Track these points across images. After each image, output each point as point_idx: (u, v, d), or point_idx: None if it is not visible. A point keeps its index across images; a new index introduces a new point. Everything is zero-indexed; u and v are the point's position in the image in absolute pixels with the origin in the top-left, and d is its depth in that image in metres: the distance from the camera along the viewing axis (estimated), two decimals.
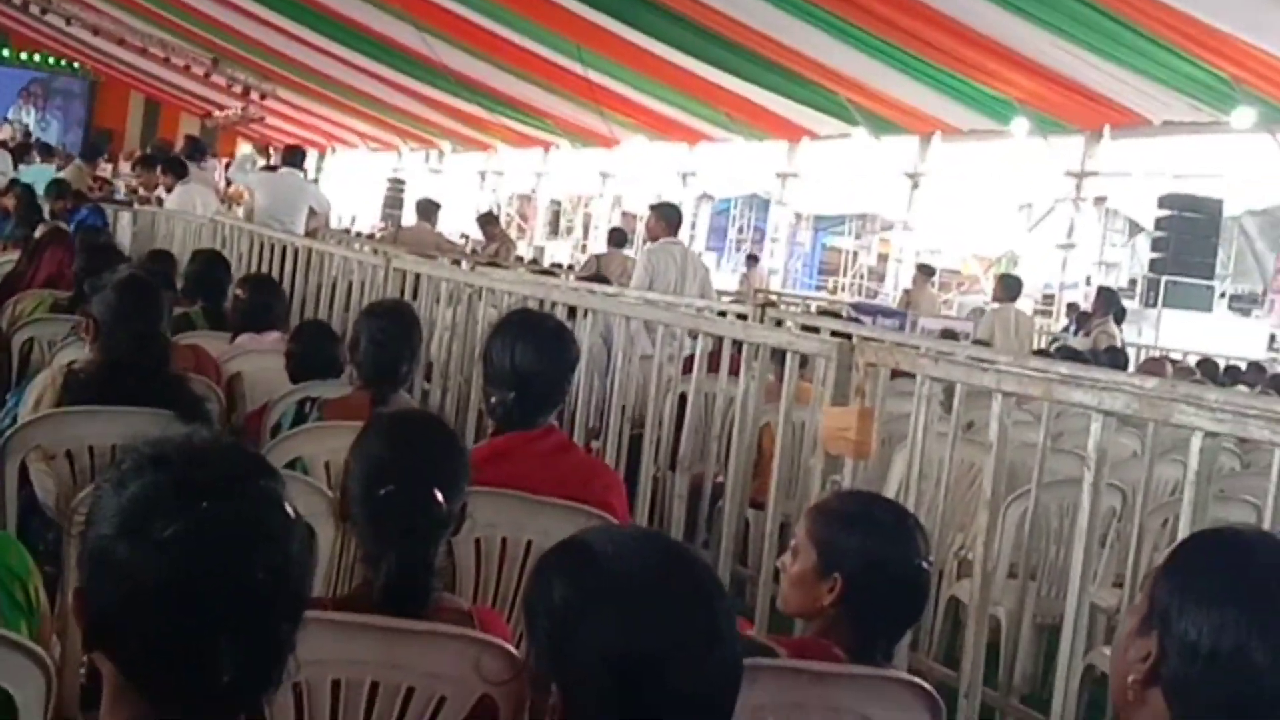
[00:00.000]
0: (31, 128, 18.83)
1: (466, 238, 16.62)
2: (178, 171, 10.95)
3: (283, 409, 4.14)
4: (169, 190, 11.03)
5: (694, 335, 4.92)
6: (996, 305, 11.70)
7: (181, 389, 3.43)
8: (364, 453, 2.33)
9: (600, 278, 9.38)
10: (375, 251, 7.16)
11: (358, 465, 2.32)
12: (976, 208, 19.09)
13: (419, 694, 2.14)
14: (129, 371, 3.43)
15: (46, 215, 9.49)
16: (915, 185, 16.31)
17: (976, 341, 9.20)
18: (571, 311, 5.28)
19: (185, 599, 1.30)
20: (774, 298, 13.58)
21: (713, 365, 4.89)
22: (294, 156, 11.78)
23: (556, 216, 25.43)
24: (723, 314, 6.67)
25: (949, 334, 10.00)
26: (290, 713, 2.06)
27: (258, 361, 4.88)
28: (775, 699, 2.15)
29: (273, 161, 12.96)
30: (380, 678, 2.12)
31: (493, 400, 3.15)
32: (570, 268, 13.64)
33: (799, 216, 21.09)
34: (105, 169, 14.24)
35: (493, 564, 2.92)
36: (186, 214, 9.89)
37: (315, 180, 15.14)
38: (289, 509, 1.40)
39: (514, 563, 2.94)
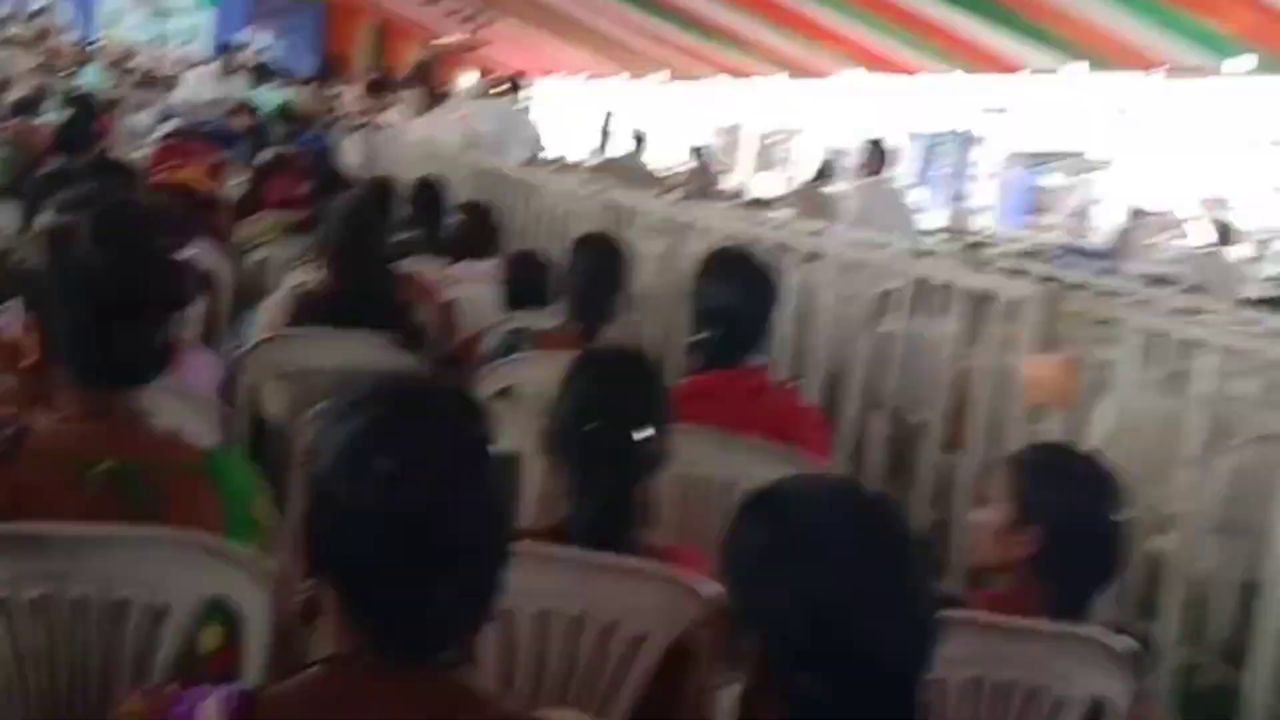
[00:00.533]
0: (263, 51, 19.35)
1: (674, 168, 16.61)
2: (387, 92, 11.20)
3: (495, 337, 4.25)
4: (419, 113, 11.31)
5: (900, 275, 4.87)
6: (1208, 251, 11.25)
7: (404, 315, 3.55)
8: (571, 389, 2.38)
9: (808, 213, 9.32)
10: (587, 182, 7.22)
11: (565, 401, 2.37)
12: (1192, 148, 18.29)
13: (620, 628, 2.20)
14: (357, 296, 3.56)
15: (276, 138, 9.77)
16: (1128, 124, 15.68)
17: (1188, 289, 8.89)
18: (779, 248, 5.27)
19: (401, 533, 1.37)
20: (981, 238, 13.26)
21: (917, 306, 4.84)
22: (513, 85, 11.94)
23: (765, 149, 25.20)
24: (928, 254, 6.58)
25: (1158, 279, 9.65)
26: (492, 640, 2.15)
27: (471, 289, 5.01)
28: (968, 653, 2.15)
29: (492, 90, 13.12)
30: (583, 610, 2.19)
31: (697, 338, 3.19)
32: (777, 201, 13.54)
33: (1008, 154, 20.51)
34: (334, 93, 14.55)
35: (691, 502, 2.98)
36: (409, 140, 10.11)
37: (526, 109, 15.24)
38: (498, 446, 1.47)
39: (712, 501, 2.99)
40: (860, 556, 1.46)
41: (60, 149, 5.51)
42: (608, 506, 2.26)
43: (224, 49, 14.88)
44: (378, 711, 1.39)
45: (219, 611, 2.04)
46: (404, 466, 1.38)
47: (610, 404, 2.32)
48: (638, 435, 2.28)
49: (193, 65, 14.45)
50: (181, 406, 2.75)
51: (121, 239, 2.00)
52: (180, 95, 12.89)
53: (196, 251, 3.54)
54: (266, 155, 7.74)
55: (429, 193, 5.96)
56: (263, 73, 13.90)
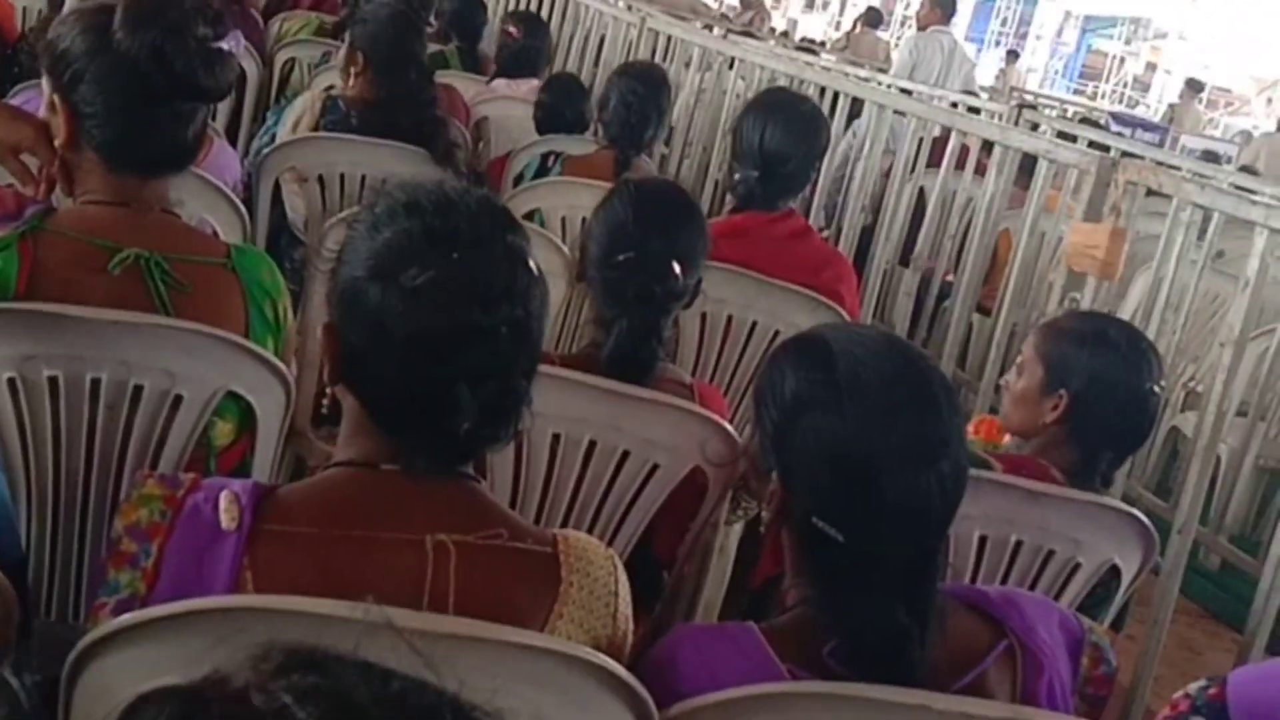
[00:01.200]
0: None
1: (720, 1, 16.32)
2: None
3: (526, 159, 4.20)
4: None
5: (946, 129, 4.77)
6: (1265, 133, 11.07)
7: (438, 129, 3.46)
8: (608, 216, 2.32)
9: (858, 59, 9.16)
10: (630, 8, 7.06)
11: (599, 228, 2.31)
12: (1258, 24, 17.85)
13: (633, 458, 2.19)
14: (391, 105, 3.48)
15: None
16: None
17: (1241, 168, 8.75)
18: (822, 91, 5.17)
19: (430, 345, 1.34)
20: (1031, 98, 13.05)
21: (959, 163, 4.76)
22: None
23: None
24: (976, 111, 6.46)
25: (1210, 155, 9.51)
26: (510, 461, 2.14)
27: (505, 108, 4.93)
28: (984, 512, 2.15)
29: None
30: (598, 437, 2.17)
31: (736, 177, 3.12)
32: (822, 44, 13.30)
33: (1067, 14, 20.07)
34: None
35: (716, 340, 2.96)
36: None
37: None
38: (533, 265, 1.43)
39: (737, 341, 2.97)
40: (896, 408, 1.43)
41: None
42: (634, 336, 2.22)
43: None
44: (394, 517, 1.37)
45: (232, 406, 2.04)
46: (441, 278, 1.34)
47: (645, 233, 2.26)
48: (670, 267, 2.23)
49: None
50: (205, 199, 2.72)
51: (163, 23, 1.93)
52: None
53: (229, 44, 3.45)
54: None
55: (468, 6, 5.80)
56: None
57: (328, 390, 1.44)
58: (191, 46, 1.93)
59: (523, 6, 7.63)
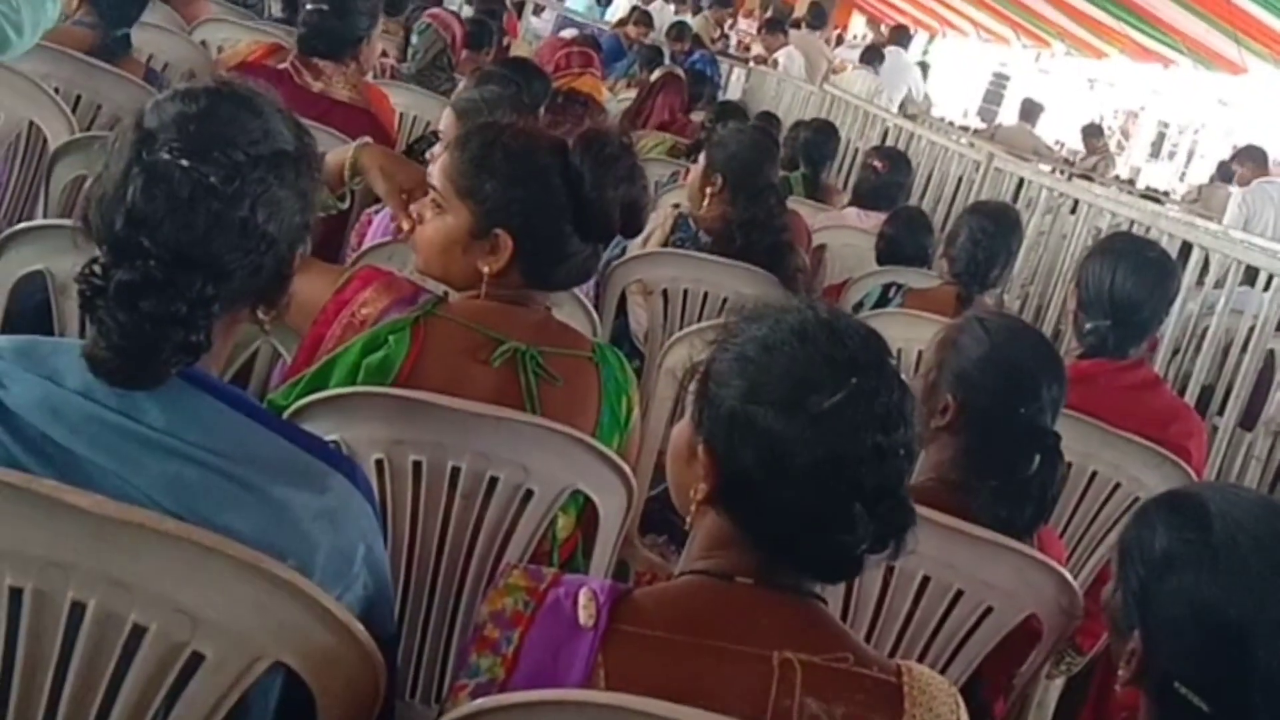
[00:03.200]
0: None
1: (1061, 145, 16.08)
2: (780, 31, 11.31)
3: (866, 288, 4.21)
4: (769, 50, 11.40)
5: None
6: None
7: (787, 253, 3.52)
8: (984, 359, 2.26)
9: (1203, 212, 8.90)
10: (972, 145, 7.03)
11: (975, 369, 2.26)
12: None
13: (967, 598, 2.15)
14: (744, 227, 3.56)
15: (666, 58, 9.91)
16: None
17: None
18: (1174, 243, 5.00)
19: (833, 469, 1.37)
20: None
21: None
22: (901, 37, 11.80)
23: (1161, 139, 24.06)
24: None
25: None
26: (840, 586, 2.13)
27: (844, 237, 4.98)
28: None
29: (879, 38, 13.03)
30: (932, 573, 2.15)
31: (1087, 326, 3.05)
32: (1166, 194, 12.92)
33: None
34: (727, 22, 14.66)
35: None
36: (797, 80, 10.10)
37: (924, 63, 14.99)
38: (905, 380, 1.45)
39: (1074, 490, 2.88)
40: (1276, 576, 1.37)
41: (470, 43, 5.71)
42: (1011, 489, 2.18)
43: None
44: (745, 630, 1.38)
45: (573, 501, 2.11)
46: (846, 403, 1.37)
47: (1025, 381, 2.23)
48: (1045, 418, 2.19)
49: None
50: (566, 304, 2.84)
51: (624, 174, 2.09)
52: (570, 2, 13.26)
53: None
54: (659, 72, 7.83)
55: (821, 136, 5.89)
56: None
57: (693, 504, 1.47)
58: (644, 197, 2.08)
59: (864, 134, 7.71)
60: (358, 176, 2.44)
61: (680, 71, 8.03)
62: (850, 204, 5.22)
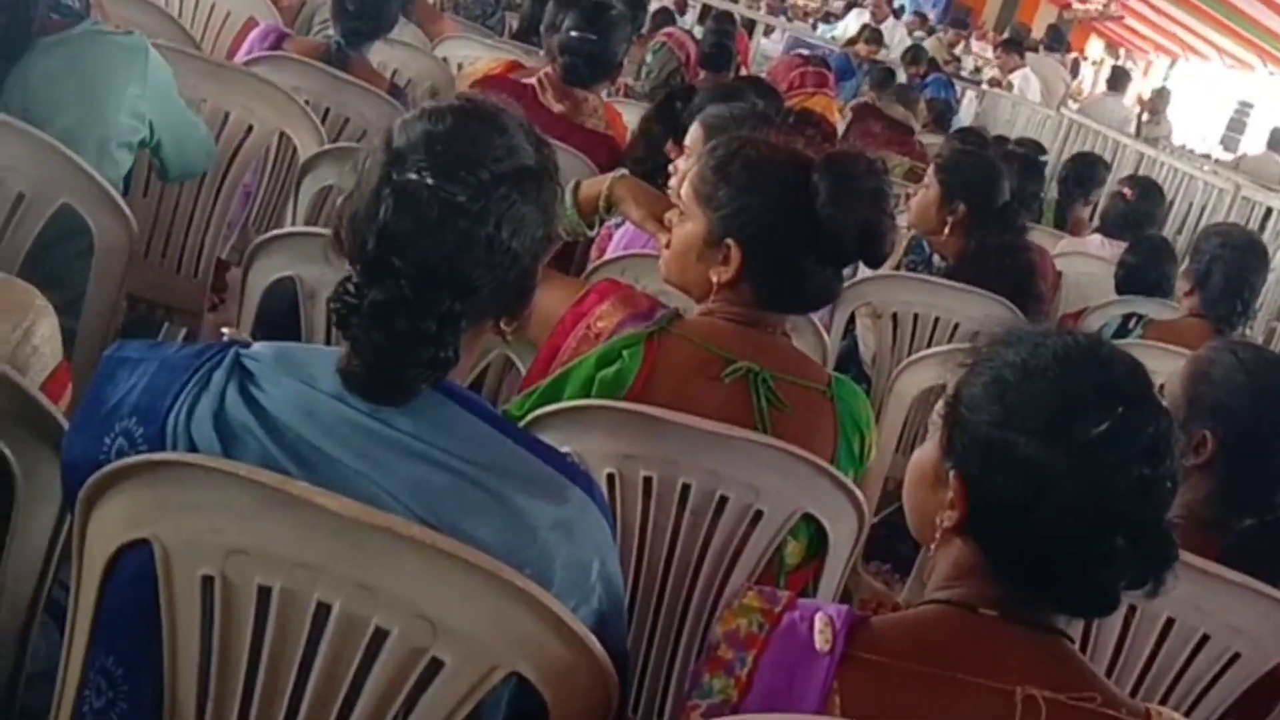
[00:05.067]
0: None
1: None
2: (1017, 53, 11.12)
3: (1105, 317, 4.09)
4: (1004, 72, 11.21)
5: None
6: None
7: (1027, 281, 3.44)
8: (1244, 390, 2.15)
9: None
10: (1215, 173, 6.77)
11: (1236, 401, 2.15)
12: None
13: (1213, 643, 2.05)
14: (984, 253, 3.49)
15: (900, 77, 9.80)
16: None
17: None
18: None
19: (1096, 501, 1.32)
20: None
21: None
22: (1119, 80, 11.51)
23: None
24: None
25: None
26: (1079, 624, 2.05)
27: (1082, 264, 4.83)
28: None
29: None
30: (1177, 615, 2.05)
31: None
32: None
33: None
34: (961, 44, 14.45)
35: None
36: (1033, 103, 9.89)
37: (1163, 89, 14.55)
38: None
39: None
40: None
41: (707, 64, 5.73)
42: (1265, 523, 2.08)
43: None
44: (987, 663, 1.34)
45: (805, 528, 2.08)
46: (1114, 432, 1.32)
47: None
48: None
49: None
50: (808, 333, 2.82)
51: (868, 196, 2.05)
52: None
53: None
54: (865, 97, 7.76)
55: (1086, 167, 5.71)
56: (894, 12, 13.99)
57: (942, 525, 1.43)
58: (886, 223, 2.04)
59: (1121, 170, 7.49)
60: (612, 207, 2.46)
61: (877, 104, 7.89)
62: (1095, 231, 5.06)
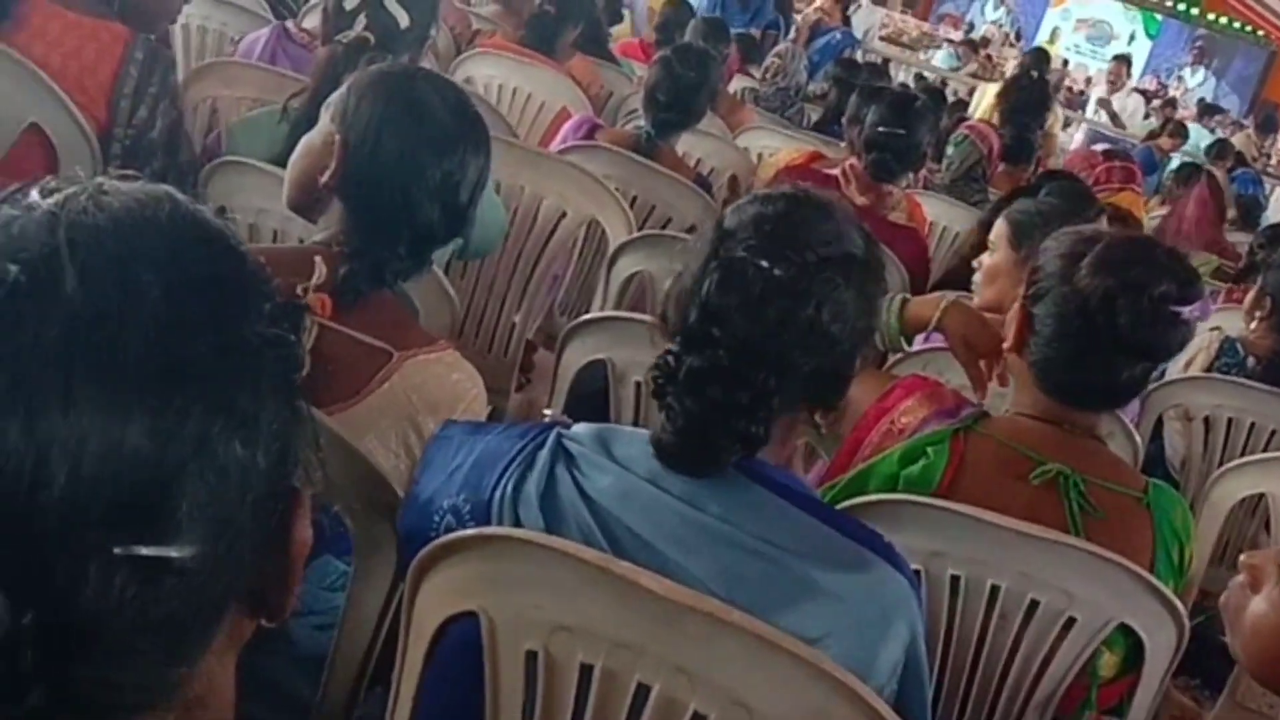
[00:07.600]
0: (1196, 88, 18.88)
1: None
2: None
3: None
4: None
5: None
6: None
7: None
8: None
9: None
10: None
11: None
12: None
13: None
14: None
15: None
16: None
17: None
18: None
19: None
20: None
21: None
22: None
23: None
24: None
25: None
26: None
27: None
28: None
29: None
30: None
31: None
32: None
33: None
34: (1270, 141, 13.85)
35: None
36: None
37: None
38: None
39: None
40: None
41: (1008, 157, 5.64)
42: None
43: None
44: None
45: (1121, 640, 1.99)
46: None
47: None
48: None
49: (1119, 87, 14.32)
50: (1120, 436, 2.73)
51: (1125, 276, 1.95)
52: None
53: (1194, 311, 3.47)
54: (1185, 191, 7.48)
55: None
56: (1205, 109, 13.52)
57: None
58: (1144, 305, 1.92)
59: None
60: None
61: (1218, 174, 7.52)
62: None
